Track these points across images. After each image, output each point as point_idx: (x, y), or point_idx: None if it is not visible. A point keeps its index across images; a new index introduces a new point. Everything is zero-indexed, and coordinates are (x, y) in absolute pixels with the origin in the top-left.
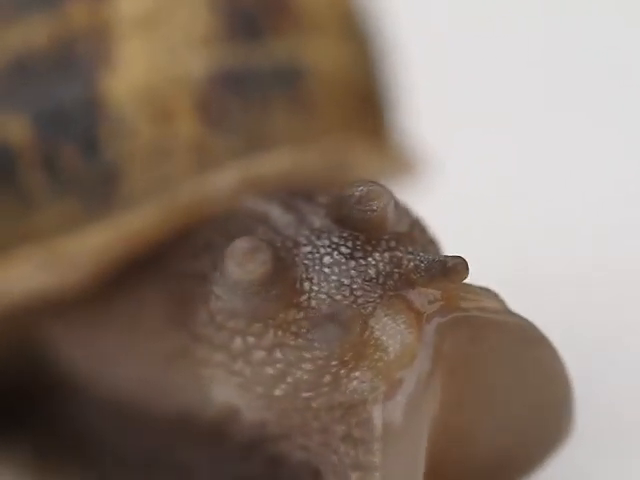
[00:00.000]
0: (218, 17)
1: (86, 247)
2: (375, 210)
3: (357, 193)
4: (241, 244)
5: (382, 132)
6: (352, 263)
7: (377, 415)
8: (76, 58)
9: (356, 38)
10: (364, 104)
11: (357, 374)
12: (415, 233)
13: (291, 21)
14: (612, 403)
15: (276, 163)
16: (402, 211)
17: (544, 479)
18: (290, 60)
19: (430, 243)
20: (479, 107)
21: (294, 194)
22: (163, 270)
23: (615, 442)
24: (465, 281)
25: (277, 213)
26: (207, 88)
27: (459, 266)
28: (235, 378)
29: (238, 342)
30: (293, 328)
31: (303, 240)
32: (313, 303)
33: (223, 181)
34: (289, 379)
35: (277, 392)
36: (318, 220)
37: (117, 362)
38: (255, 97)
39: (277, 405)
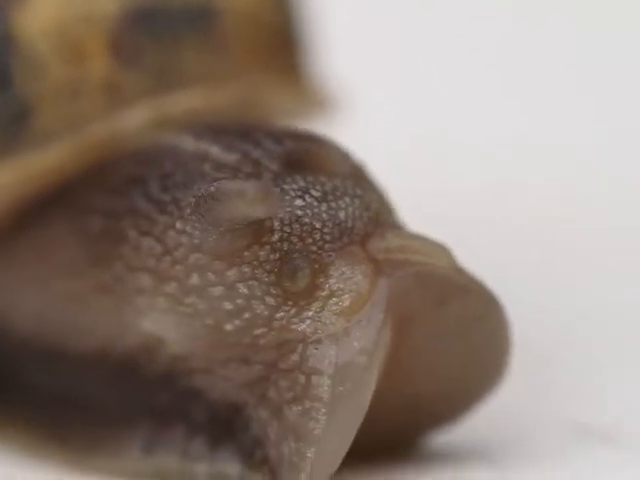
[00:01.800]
0: None
1: None
2: (329, 155)
3: (307, 141)
4: (253, 185)
5: (295, 70)
6: (324, 206)
7: (330, 354)
8: None
9: None
10: (277, 43)
11: (310, 314)
12: (367, 178)
13: None
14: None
15: (188, 101)
16: (347, 156)
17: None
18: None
19: (379, 188)
20: (398, 42)
21: (222, 131)
22: (77, 207)
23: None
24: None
25: (216, 150)
26: (119, 27)
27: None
28: (182, 309)
29: (195, 278)
30: (266, 266)
31: (267, 181)
32: (285, 245)
33: (134, 119)
34: (247, 314)
35: (228, 327)
36: (274, 164)
37: (23, 298)
38: (167, 36)
39: (218, 338)
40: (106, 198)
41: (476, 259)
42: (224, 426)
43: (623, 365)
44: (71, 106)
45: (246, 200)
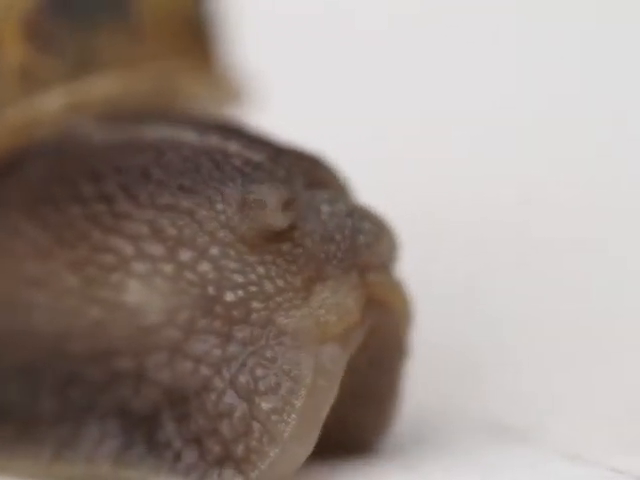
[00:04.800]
0: None
1: None
2: (346, 180)
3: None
4: (278, 194)
5: (210, 59)
6: (349, 221)
7: (309, 365)
8: None
9: None
10: (192, 31)
11: (298, 314)
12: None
13: None
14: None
15: (104, 87)
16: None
17: None
18: None
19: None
20: (310, 29)
21: (224, 128)
22: (36, 198)
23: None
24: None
25: (236, 147)
26: (34, 12)
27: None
28: (190, 276)
29: (215, 250)
30: (288, 257)
31: (298, 189)
32: (307, 242)
33: (50, 104)
34: (253, 288)
35: (228, 297)
36: (301, 177)
37: None
38: (83, 21)
39: (209, 308)
40: (83, 184)
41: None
42: (146, 427)
43: (542, 365)
44: None
45: (272, 208)
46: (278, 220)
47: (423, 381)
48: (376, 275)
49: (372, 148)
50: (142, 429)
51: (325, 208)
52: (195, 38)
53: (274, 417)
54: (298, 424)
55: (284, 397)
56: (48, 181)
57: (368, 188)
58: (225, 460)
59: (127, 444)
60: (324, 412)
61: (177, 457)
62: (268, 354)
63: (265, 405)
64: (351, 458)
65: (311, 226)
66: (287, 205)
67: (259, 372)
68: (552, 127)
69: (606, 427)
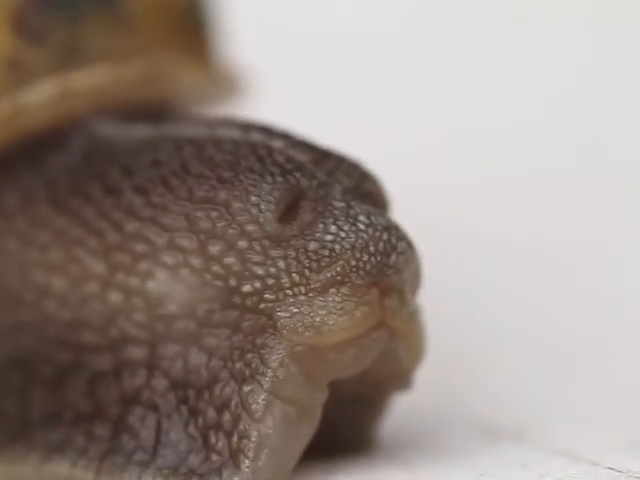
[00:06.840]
0: None
1: None
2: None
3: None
4: (271, 201)
5: (202, 50)
6: (385, 235)
7: (281, 352)
8: None
9: None
10: (185, 23)
11: (295, 310)
12: None
13: None
14: None
15: (93, 77)
16: None
17: None
18: None
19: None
20: (306, 22)
21: (266, 129)
22: (66, 191)
23: None
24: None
25: (281, 145)
26: (22, 4)
27: None
28: (216, 269)
29: (243, 243)
30: (312, 256)
31: (337, 195)
32: (337, 248)
33: (40, 95)
34: (270, 281)
35: (246, 288)
36: (345, 184)
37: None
38: (72, 13)
39: (227, 300)
40: (117, 178)
41: None
42: (150, 423)
43: (538, 365)
44: None
45: (273, 209)
46: (268, 226)
47: (418, 381)
48: (397, 303)
49: (364, 145)
50: (143, 426)
51: (363, 219)
52: (187, 29)
53: (250, 399)
54: (268, 407)
55: (257, 379)
56: (76, 177)
57: None
58: (225, 455)
59: (119, 447)
60: (301, 407)
61: (183, 459)
62: (258, 341)
63: (246, 388)
64: (345, 457)
65: (344, 233)
66: (287, 212)
67: (248, 357)
68: (554, 131)
69: (603, 426)
